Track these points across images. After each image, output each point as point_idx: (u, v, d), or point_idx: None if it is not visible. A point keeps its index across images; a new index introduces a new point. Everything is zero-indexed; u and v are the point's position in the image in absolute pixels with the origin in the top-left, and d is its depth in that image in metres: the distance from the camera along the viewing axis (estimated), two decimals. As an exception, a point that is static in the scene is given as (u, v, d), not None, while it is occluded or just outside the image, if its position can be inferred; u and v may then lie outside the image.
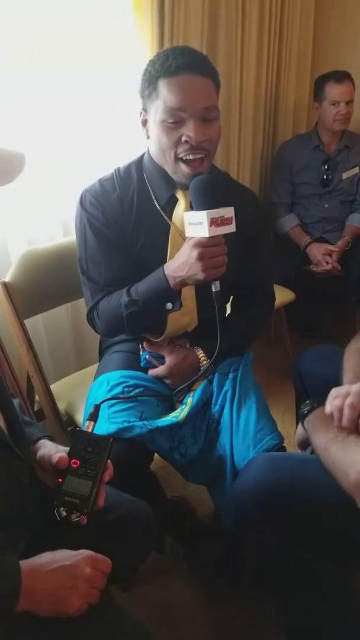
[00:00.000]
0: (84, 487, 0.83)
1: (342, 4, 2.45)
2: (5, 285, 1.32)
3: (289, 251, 2.36)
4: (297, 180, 2.35)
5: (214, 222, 1.00)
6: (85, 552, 0.77)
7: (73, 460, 0.84)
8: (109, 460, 0.87)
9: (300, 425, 0.98)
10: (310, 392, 1.18)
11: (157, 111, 1.08)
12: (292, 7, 2.32)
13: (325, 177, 2.28)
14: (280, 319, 2.28)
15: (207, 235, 1.01)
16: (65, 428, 1.38)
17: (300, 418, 0.99)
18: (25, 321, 1.61)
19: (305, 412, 0.95)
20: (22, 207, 1.58)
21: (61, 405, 1.40)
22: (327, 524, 0.82)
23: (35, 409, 1.43)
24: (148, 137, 1.15)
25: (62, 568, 0.73)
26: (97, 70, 1.62)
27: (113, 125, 1.71)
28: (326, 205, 2.34)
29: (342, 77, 2.14)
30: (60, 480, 0.84)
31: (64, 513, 0.82)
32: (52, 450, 0.88)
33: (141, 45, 1.71)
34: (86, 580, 0.74)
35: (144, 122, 1.14)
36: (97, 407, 0.94)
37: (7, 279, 1.35)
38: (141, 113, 1.14)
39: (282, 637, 1.00)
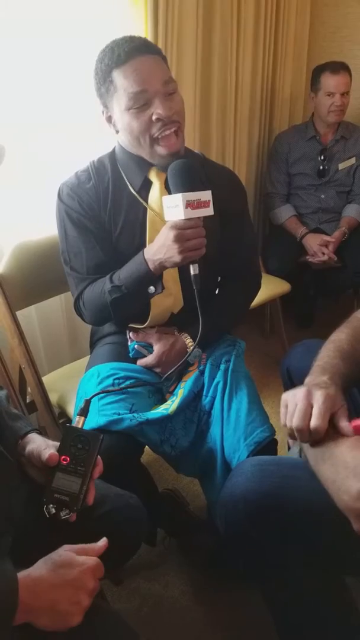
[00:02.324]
0: (74, 484, 0.82)
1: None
2: (-1, 276, 1.31)
3: (285, 242, 2.35)
4: (293, 170, 2.33)
5: (189, 205, 1.01)
6: (87, 562, 0.73)
7: (63, 457, 0.83)
8: (99, 457, 0.86)
9: None
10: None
11: (120, 102, 1.08)
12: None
13: (321, 167, 2.26)
14: (276, 310, 2.26)
15: (183, 218, 1.01)
16: (57, 420, 1.37)
17: None
18: (19, 312, 1.61)
19: None
20: (12, 199, 1.57)
21: (53, 397, 1.39)
22: (315, 533, 0.80)
23: (28, 400, 1.42)
24: (117, 131, 1.15)
25: (67, 584, 0.70)
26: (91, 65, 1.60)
27: (89, 117, 1.68)
28: (322, 196, 2.32)
29: (338, 67, 2.11)
30: (49, 477, 0.82)
31: (53, 510, 0.81)
32: (41, 445, 0.87)
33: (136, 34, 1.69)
34: (90, 595, 0.71)
35: (109, 119, 1.15)
36: (88, 402, 0.92)
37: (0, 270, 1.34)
38: (103, 112, 1.14)
39: (274, 631, 1.00)
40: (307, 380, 0.92)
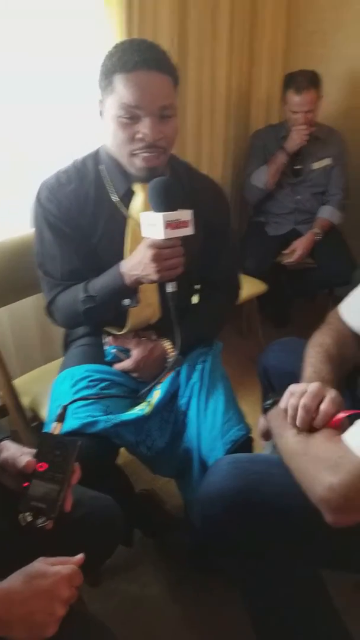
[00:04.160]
0: (51, 491, 0.80)
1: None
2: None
3: (262, 242, 2.37)
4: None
5: (169, 225, 0.99)
6: (61, 571, 0.72)
7: (40, 464, 0.81)
8: (76, 463, 0.85)
9: (262, 416, 0.98)
10: (276, 386, 1.17)
11: (112, 106, 1.05)
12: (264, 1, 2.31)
13: (296, 167, 2.27)
14: (253, 310, 2.28)
15: (162, 238, 1.00)
16: (29, 424, 1.35)
17: (263, 411, 0.98)
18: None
19: (267, 406, 0.94)
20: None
21: (25, 401, 1.37)
22: (292, 526, 0.81)
23: (0, 404, 1.40)
24: (104, 127, 1.12)
25: (41, 594, 0.69)
26: (64, 65, 1.58)
27: (80, 117, 1.68)
28: (298, 197, 2.34)
29: (302, 86, 2.07)
30: (25, 484, 0.81)
31: (30, 518, 0.79)
32: (16, 453, 0.85)
33: (110, 41, 1.67)
34: (64, 604, 0.70)
35: (102, 113, 1.12)
36: (65, 408, 0.91)
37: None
38: (99, 102, 1.12)
39: (251, 629, 1.00)
40: (307, 375, 0.94)
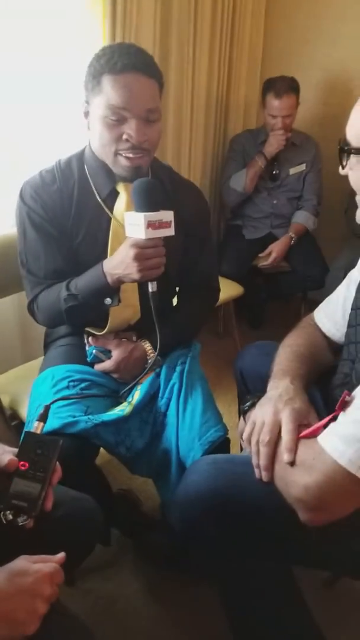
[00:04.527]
0: (33, 489, 0.81)
1: (291, 8, 2.49)
2: None
3: (240, 246, 2.41)
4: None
5: (151, 225, 1.02)
6: (43, 569, 0.72)
7: (21, 463, 0.82)
8: (57, 463, 0.85)
9: (241, 419, 1.01)
10: (251, 388, 1.21)
11: (99, 106, 1.07)
12: (244, 7, 2.35)
13: (274, 171, 2.32)
14: (229, 312, 2.32)
15: (144, 237, 1.02)
16: (9, 423, 1.35)
17: (241, 413, 1.01)
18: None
19: (246, 408, 0.97)
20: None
21: (5, 399, 1.37)
22: (269, 525, 0.84)
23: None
24: (88, 127, 1.14)
25: (23, 592, 0.69)
26: (47, 66, 1.59)
27: (62, 116, 1.68)
28: (275, 202, 2.39)
29: (283, 90, 2.12)
30: (6, 482, 0.81)
31: (10, 517, 0.80)
32: None
33: (92, 43, 1.68)
34: (46, 602, 0.71)
35: (87, 114, 1.13)
36: (47, 408, 0.92)
37: None
38: (84, 104, 1.13)
39: (228, 630, 1.03)
40: (270, 385, 0.96)
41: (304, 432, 0.80)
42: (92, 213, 1.17)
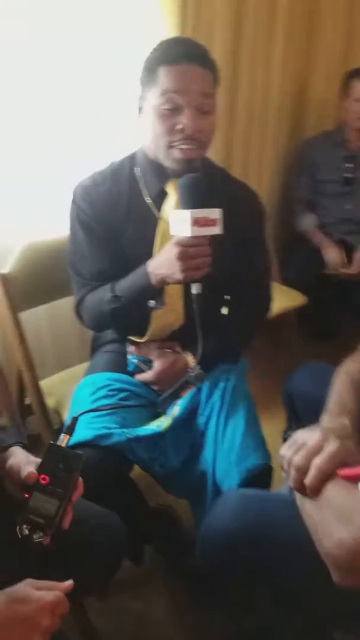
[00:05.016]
0: (51, 506, 0.78)
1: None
2: (2, 276, 1.29)
3: (307, 252, 2.28)
4: (319, 177, 2.25)
5: (196, 222, 0.97)
6: (45, 598, 0.67)
7: (42, 476, 0.79)
8: (79, 479, 0.82)
9: (283, 446, 0.92)
10: (299, 413, 1.11)
11: (153, 97, 1.05)
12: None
13: (347, 175, 2.17)
14: (290, 324, 2.19)
15: (189, 235, 0.97)
16: (52, 426, 1.35)
17: (283, 441, 0.92)
18: (27, 312, 1.59)
19: (287, 436, 0.88)
20: (31, 197, 1.55)
21: (51, 402, 1.37)
22: (294, 576, 0.75)
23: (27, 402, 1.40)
24: (143, 125, 1.11)
25: (20, 621, 0.65)
26: (115, 64, 1.57)
27: (126, 117, 1.66)
28: (348, 207, 2.23)
29: None
30: (26, 495, 0.79)
31: (27, 531, 0.77)
32: (22, 461, 0.83)
33: (164, 29, 1.64)
34: (44, 634, 0.66)
35: (141, 109, 1.11)
36: (75, 420, 0.89)
37: (6, 270, 1.32)
38: (139, 99, 1.11)
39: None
40: (325, 419, 0.86)
41: (347, 471, 0.70)
42: (141, 214, 1.15)
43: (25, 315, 1.65)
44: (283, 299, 2.04)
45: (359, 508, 0.64)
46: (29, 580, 0.71)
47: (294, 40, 2.14)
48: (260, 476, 1.04)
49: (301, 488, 0.72)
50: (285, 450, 0.77)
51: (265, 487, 1.07)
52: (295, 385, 1.14)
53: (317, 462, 0.71)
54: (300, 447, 0.74)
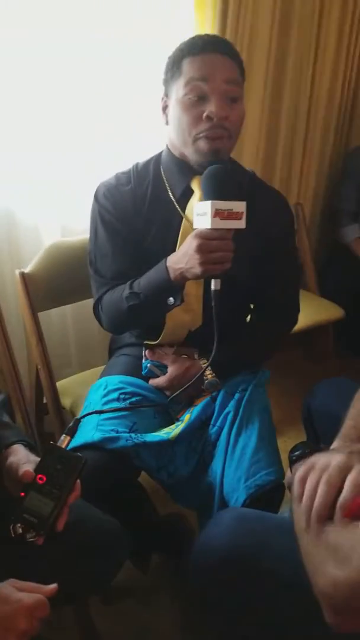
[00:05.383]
0: (46, 506, 0.76)
1: None
2: (23, 275, 1.31)
3: (349, 263, 2.18)
4: (365, 188, 2.16)
5: (218, 214, 0.92)
6: (24, 600, 0.65)
7: (39, 476, 0.78)
8: (77, 481, 0.80)
9: (289, 470, 0.86)
10: (319, 431, 1.04)
11: (178, 89, 1.03)
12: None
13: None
14: (327, 336, 2.11)
15: (209, 227, 0.93)
16: (65, 426, 1.34)
17: (289, 462, 0.86)
18: (53, 311, 1.60)
19: (294, 457, 0.82)
20: (58, 195, 1.57)
21: (67, 402, 1.37)
22: (286, 610, 0.70)
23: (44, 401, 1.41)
24: (167, 122, 1.10)
25: None
26: (149, 65, 1.56)
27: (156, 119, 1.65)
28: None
29: None
30: (22, 494, 0.78)
31: (20, 530, 0.76)
32: (22, 459, 0.82)
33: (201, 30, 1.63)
34: (19, 637, 0.64)
35: (164, 108, 1.09)
36: (77, 422, 0.87)
37: (28, 269, 1.33)
38: (162, 99, 1.09)
39: None
40: (338, 444, 0.79)
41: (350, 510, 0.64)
42: (165, 213, 1.12)
43: (52, 315, 1.68)
44: (319, 311, 1.97)
45: (355, 546, 0.59)
46: (12, 580, 0.70)
47: (346, 38, 2.06)
48: (270, 494, 0.99)
49: (322, 510, 0.66)
50: (304, 473, 0.70)
51: (274, 505, 1.02)
52: (315, 400, 1.07)
53: (354, 476, 0.65)
54: (323, 470, 0.68)
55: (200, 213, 0.96)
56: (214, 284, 0.98)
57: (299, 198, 2.23)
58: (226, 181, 0.98)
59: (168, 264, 1.04)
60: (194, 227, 0.98)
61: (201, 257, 0.95)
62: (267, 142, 2.02)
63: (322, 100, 2.12)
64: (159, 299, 1.07)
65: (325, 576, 0.59)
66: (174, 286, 1.04)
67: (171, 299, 1.06)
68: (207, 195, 0.97)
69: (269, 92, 1.92)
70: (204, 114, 1.00)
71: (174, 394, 1.10)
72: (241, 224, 0.95)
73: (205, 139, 1.02)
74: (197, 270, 0.96)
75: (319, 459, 0.71)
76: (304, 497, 0.68)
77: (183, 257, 0.99)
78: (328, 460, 0.69)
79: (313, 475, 0.68)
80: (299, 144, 2.13)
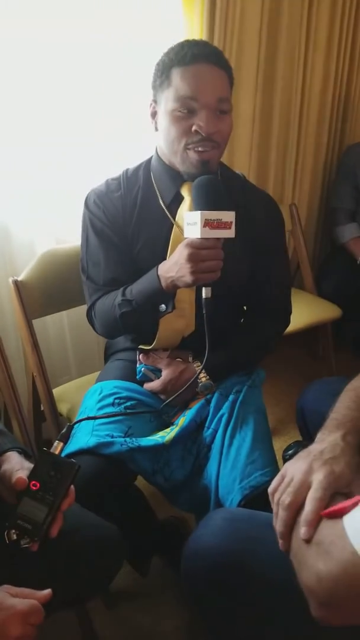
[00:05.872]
0: (40, 512, 0.77)
1: None
2: (16, 283, 1.31)
3: (345, 264, 2.18)
4: (361, 185, 2.16)
5: (208, 224, 0.94)
6: (16, 607, 0.66)
7: (33, 482, 0.79)
8: (71, 487, 0.80)
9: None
10: (311, 430, 1.04)
11: (167, 100, 1.03)
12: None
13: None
14: (325, 335, 2.11)
15: (199, 237, 0.94)
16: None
17: (283, 461, 0.86)
18: (49, 318, 1.61)
19: (287, 457, 0.82)
20: (52, 206, 1.58)
21: (64, 408, 1.37)
22: (278, 608, 0.70)
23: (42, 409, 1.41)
24: (156, 129, 1.10)
25: None
26: (137, 68, 1.57)
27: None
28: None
29: None
30: (16, 501, 0.78)
31: (14, 537, 0.77)
32: (15, 466, 0.83)
33: (191, 29, 1.63)
34: None
35: (153, 114, 1.10)
36: (70, 428, 0.88)
37: (21, 277, 1.34)
38: (151, 104, 1.10)
39: None
40: (318, 436, 0.80)
41: (330, 508, 0.64)
42: (155, 219, 1.13)
43: (49, 322, 1.68)
44: (317, 311, 1.97)
45: (337, 542, 0.59)
46: (5, 586, 0.70)
47: (336, 38, 2.07)
48: (265, 494, 0.98)
49: (286, 532, 0.68)
50: (274, 487, 0.73)
51: (270, 505, 1.01)
52: (307, 400, 1.07)
53: (307, 507, 0.66)
54: (288, 485, 0.70)
55: (190, 223, 0.97)
56: (204, 292, 0.99)
57: (294, 198, 2.23)
58: (215, 191, 0.99)
59: (159, 273, 1.05)
60: (185, 236, 1.00)
61: (192, 266, 0.96)
62: (260, 144, 2.02)
63: (314, 99, 2.13)
64: (151, 305, 1.08)
65: (308, 570, 0.60)
66: (166, 294, 1.05)
67: (163, 306, 1.08)
68: (197, 205, 0.99)
69: (260, 92, 1.93)
70: (193, 128, 1.02)
71: (169, 399, 1.10)
72: (231, 233, 0.96)
73: (194, 150, 1.04)
74: (188, 279, 0.98)
75: (287, 470, 0.73)
76: (273, 514, 0.71)
77: (174, 266, 1.00)
78: (292, 473, 0.71)
79: (277, 495, 0.71)
80: (292, 145, 2.14)
